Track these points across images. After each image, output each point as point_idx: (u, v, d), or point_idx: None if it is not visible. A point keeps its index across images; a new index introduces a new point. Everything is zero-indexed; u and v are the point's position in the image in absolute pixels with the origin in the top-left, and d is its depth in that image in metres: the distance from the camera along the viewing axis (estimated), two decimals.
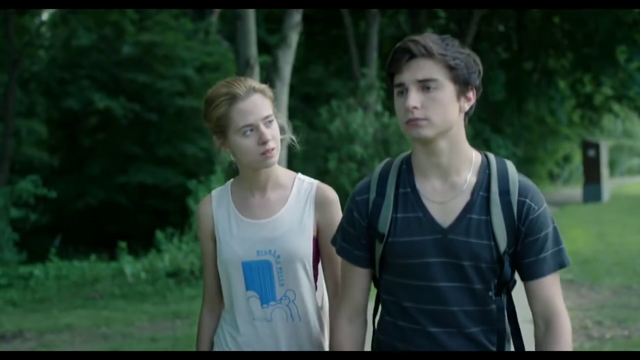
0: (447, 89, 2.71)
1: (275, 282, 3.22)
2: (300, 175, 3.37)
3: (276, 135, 3.15)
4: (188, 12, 27.60)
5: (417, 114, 2.69)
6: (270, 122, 3.13)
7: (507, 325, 2.91)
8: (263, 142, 3.08)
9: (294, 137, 3.41)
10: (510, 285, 2.89)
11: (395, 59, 2.73)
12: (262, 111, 3.11)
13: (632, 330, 8.98)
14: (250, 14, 13.12)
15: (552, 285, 2.85)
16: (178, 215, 17.52)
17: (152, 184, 24.42)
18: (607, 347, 8.22)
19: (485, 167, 2.85)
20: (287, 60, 13.89)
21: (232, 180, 3.36)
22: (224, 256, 3.25)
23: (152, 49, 24.54)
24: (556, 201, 30.73)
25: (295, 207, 3.26)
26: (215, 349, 3.38)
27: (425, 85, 2.69)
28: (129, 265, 12.67)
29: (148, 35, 24.55)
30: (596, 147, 29.23)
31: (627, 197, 32.07)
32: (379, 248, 2.89)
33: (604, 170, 29.81)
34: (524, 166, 33.87)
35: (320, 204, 3.27)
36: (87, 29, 24.65)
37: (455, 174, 2.83)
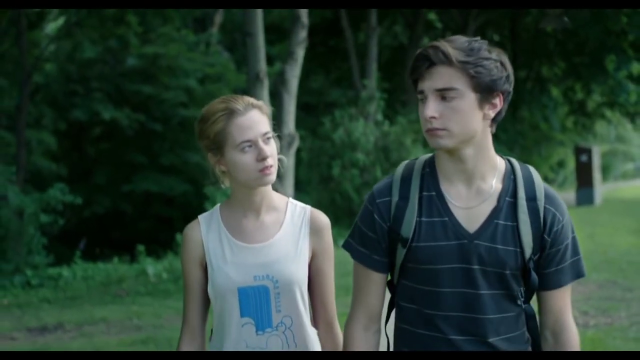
0: (468, 98, 2.67)
1: (272, 308, 3.16)
2: (291, 199, 3.35)
3: (274, 152, 3.12)
4: (189, 25, 28.41)
5: (436, 123, 2.67)
6: (268, 139, 3.11)
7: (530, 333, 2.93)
8: (262, 158, 3.05)
9: (284, 158, 3.32)
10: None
11: (415, 66, 2.70)
12: (260, 127, 3.09)
13: (614, 319, 9.93)
14: (260, 32, 14.12)
15: (565, 297, 2.88)
16: (181, 221, 18.00)
17: (157, 192, 25.05)
18: (590, 333, 9.13)
19: (510, 173, 2.83)
20: (294, 74, 14.84)
21: (219, 204, 3.32)
22: (218, 283, 3.16)
23: (156, 60, 25.27)
24: None
25: (291, 232, 3.21)
26: None
27: (444, 95, 2.66)
28: (151, 266, 13.76)
29: (152, 48, 25.28)
30: (588, 152, 29.92)
31: (619, 201, 32.84)
32: (401, 253, 2.84)
33: (597, 175, 30.50)
34: None
35: (315, 230, 3.24)
36: (93, 42, 25.28)
37: (480, 180, 2.81)
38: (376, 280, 2.92)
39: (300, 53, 14.96)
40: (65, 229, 16.22)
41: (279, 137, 3.24)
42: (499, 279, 2.75)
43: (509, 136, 32.59)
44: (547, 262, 2.80)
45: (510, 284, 2.77)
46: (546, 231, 2.76)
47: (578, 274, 2.86)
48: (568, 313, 2.88)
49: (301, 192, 19.48)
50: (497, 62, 2.68)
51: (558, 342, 2.85)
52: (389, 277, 2.97)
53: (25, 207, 14.15)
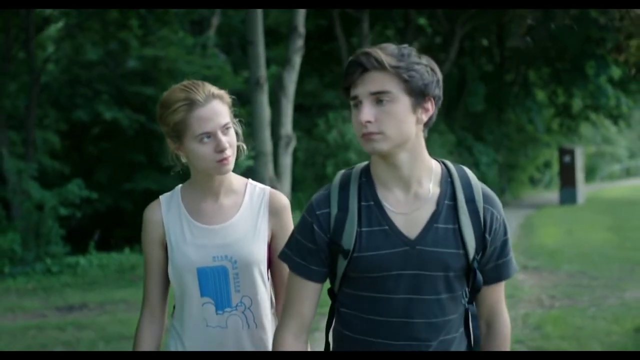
0: (402, 102, 2.69)
1: (231, 288, 3.21)
2: (251, 180, 3.40)
3: (233, 142, 3.16)
4: (187, 28, 29.08)
5: (371, 127, 2.69)
6: (227, 129, 3.15)
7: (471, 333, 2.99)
8: (220, 150, 3.10)
9: (244, 145, 3.36)
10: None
11: (348, 72, 2.73)
12: (220, 119, 3.11)
13: (577, 302, 11.25)
14: (260, 40, 15.36)
15: (500, 290, 2.98)
16: None
17: (156, 190, 25.73)
18: (553, 312, 10.48)
19: (447, 176, 2.87)
20: (291, 79, 16.06)
21: (180, 185, 3.36)
22: (177, 262, 3.21)
23: (155, 63, 25.74)
24: (534, 203, 32.79)
25: (249, 213, 3.27)
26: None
27: (378, 98, 2.68)
28: None
29: (152, 50, 25.83)
30: (571, 153, 30.84)
31: (602, 200, 33.79)
32: (342, 263, 2.83)
33: (579, 175, 31.44)
34: (505, 171, 35.57)
35: (274, 210, 3.30)
36: (94, 44, 26.11)
37: (417, 185, 2.82)
38: (311, 290, 2.91)
39: (297, 60, 16.13)
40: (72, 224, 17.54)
41: (241, 122, 3.34)
42: (443, 282, 2.80)
43: (495, 138, 33.36)
44: (487, 259, 2.88)
45: (454, 286, 2.83)
46: (487, 230, 2.83)
47: (513, 271, 2.97)
48: (502, 304, 3.01)
49: (297, 190, 20.43)
50: (427, 67, 2.74)
51: (490, 330, 3.00)
52: (330, 286, 2.98)
53: (46, 201, 15.60)
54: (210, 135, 3.10)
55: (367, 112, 2.68)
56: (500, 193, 35.58)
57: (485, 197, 2.86)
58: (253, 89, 15.23)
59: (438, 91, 2.78)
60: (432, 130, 23.28)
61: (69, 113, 25.03)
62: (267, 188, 3.38)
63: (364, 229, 2.80)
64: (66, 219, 16.19)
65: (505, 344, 3.01)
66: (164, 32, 26.47)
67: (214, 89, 3.19)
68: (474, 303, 2.95)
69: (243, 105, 23.40)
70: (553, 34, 18.71)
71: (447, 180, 2.86)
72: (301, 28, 16.23)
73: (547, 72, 32.25)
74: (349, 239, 2.79)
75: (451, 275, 2.80)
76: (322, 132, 21.18)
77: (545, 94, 35.60)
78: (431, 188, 2.83)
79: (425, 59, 2.76)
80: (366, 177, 2.88)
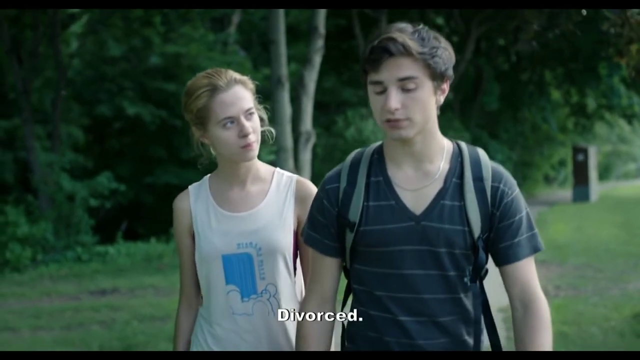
0: (426, 86, 2.69)
1: (256, 276, 3.21)
2: (279, 169, 3.39)
3: (257, 128, 3.15)
4: (208, 25, 29.46)
5: (399, 114, 2.68)
6: (251, 114, 3.14)
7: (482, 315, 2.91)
8: (244, 135, 3.09)
9: (272, 130, 3.38)
10: (483, 273, 2.88)
11: (373, 58, 2.68)
12: (243, 103, 3.11)
13: (581, 291, 11.91)
14: (282, 39, 16.11)
15: (528, 269, 2.86)
16: None
17: (176, 184, 26.34)
18: (558, 300, 11.08)
19: (458, 155, 2.86)
20: (311, 78, 16.78)
21: (209, 175, 3.38)
22: (203, 250, 3.23)
23: (177, 59, 25.94)
24: (548, 201, 33.43)
25: (276, 200, 3.25)
26: (193, 348, 3.36)
27: (405, 85, 2.67)
28: None
29: (173, 47, 25.95)
30: (585, 152, 31.46)
31: (614, 198, 34.36)
32: (349, 237, 2.86)
33: (592, 173, 31.98)
34: (520, 169, 36.03)
35: (300, 198, 3.27)
36: (116, 40, 26.83)
37: (428, 162, 2.82)
38: (328, 265, 2.96)
39: (317, 60, 16.82)
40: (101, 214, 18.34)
41: (266, 109, 3.35)
42: (448, 259, 2.79)
43: (510, 136, 33.94)
44: (501, 236, 2.83)
45: (461, 264, 2.81)
46: (495, 206, 2.80)
47: (535, 247, 2.88)
48: (534, 283, 2.87)
49: (317, 184, 20.92)
50: (446, 50, 2.73)
51: (527, 311, 2.82)
52: (344, 263, 3.01)
53: (76, 192, 16.44)
54: (234, 120, 3.11)
55: (396, 98, 2.67)
56: None
57: (495, 175, 2.84)
58: (275, 87, 15.93)
59: (452, 71, 2.80)
60: (447, 128, 23.83)
61: (92, 108, 25.41)
62: (295, 176, 3.37)
63: (371, 203, 2.85)
64: (95, 209, 16.99)
65: (546, 323, 2.82)
66: (185, 29, 26.70)
67: (237, 75, 3.19)
68: (506, 286, 2.88)
69: (263, 101, 24.34)
70: (565, 36, 19.13)
71: (457, 159, 2.87)
72: (321, 29, 16.89)
73: (561, 72, 32.62)
74: (355, 212, 2.84)
75: (457, 253, 2.79)
76: (341, 129, 21.80)
77: (560, 94, 36.00)
78: (441, 166, 2.84)
79: (442, 41, 2.75)
80: (378, 155, 2.92)
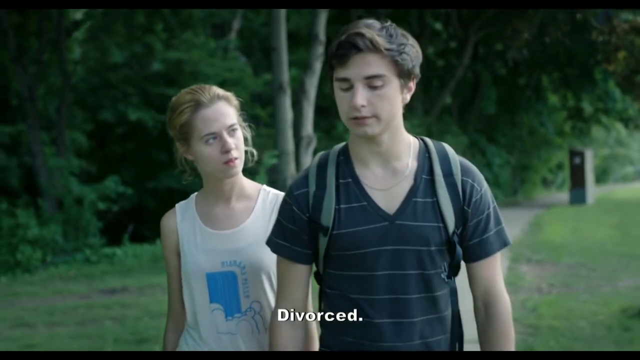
0: (393, 84, 2.66)
1: (240, 294, 3.20)
2: (265, 186, 3.36)
3: (240, 144, 3.15)
4: (209, 31, 29.73)
5: (365, 112, 2.65)
6: (234, 130, 3.14)
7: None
8: (225, 150, 3.09)
9: (254, 151, 3.34)
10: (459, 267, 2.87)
11: (339, 54, 2.65)
12: (226, 119, 3.11)
13: (573, 289, 12.41)
14: (283, 46, 16.61)
15: (494, 266, 2.87)
16: None
17: (178, 188, 26.66)
18: (550, 297, 11.62)
19: (425, 151, 2.84)
20: (312, 84, 17.25)
21: (195, 193, 3.37)
22: (188, 268, 3.21)
23: (179, 65, 26.17)
24: (545, 203, 33.84)
25: (261, 218, 3.24)
26: None
27: (372, 82, 2.63)
28: None
29: (175, 53, 26.17)
30: (581, 155, 31.92)
31: (611, 201, 34.82)
32: (323, 242, 2.81)
33: (589, 176, 32.45)
34: (518, 173, 36.54)
35: None
36: (119, 47, 27.14)
37: (395, 160, 2.80)
38: (299, 272, 2.90)
39: (318, 66, 17.22)
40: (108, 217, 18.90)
41: (251, 127, 3.32)
42: (425, 256, 2.76)
43: (508, 140, 34.44)
44: (471, 233, 2.83)
45: (436, 261, 2.79)
46: (466, 202, 2.79)
47: (503, 242, 2.89)
48: (499, 283, 2.89)
49: None
50: (413, 48, 2.70)
51: (489, 312, 2.86)
52: (315, 269, 2.96)
53: (85, 196, 17.03)
54: (216, 135, 3.11)
55: (362, 95, 2.64)
56: (513, 193, 36.59)
57: (464, 170, 2.84)
58: (276, 93, 16.42)
59: (419, 70, 2.77)
60: (444, 132, 24.49)
61: (95, 113, 25.72)
62: (281, 193, 3.28)
63: (342, 206, 2.79)
64: (102, 213, 17.57)
65: (507, 327, 2.87)
66: (187, 36, 26.99)
67: (220, 91, 3.19)
68: (470, 283, 2.90)
69: (264, 106, 24.43)
70: (554, 44, 19.58)
71: (424, 155, 2.84)
72: (322, 36, 17.32)
73: (558, 77, 33.16)
74: (327, 216, 2.79)
75: (433, 250, 2.77)
76: (341, 133, 22.32)
77: (557, 98, 36.54)
78: (410, 163, 2.81)
79: (410, 38, 2.72)
80: (344, 156, 2.87)
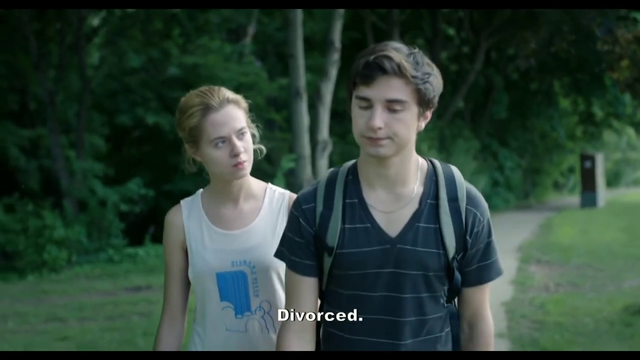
0: (412, 111, 2.67)
1: (250, 293, 3.23)
2: (271, 185, 3.38)
3: (248, 147, 3.17)
4: (223, 36, 30.03)
5: (380, 133, 2.65)
6: (243, 134, 3.15)
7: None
8: (235, 154, 3.10)
9: (263, 148, 3.37)
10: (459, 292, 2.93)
11: (365, 74, 2.66)
12: (235, 123, 3.12)
13: (579, 288, 12.89)
14: (300, 53, 17.10)
15: (485, 292, 2.94)
16: None
17: (194, 192, 26.95)
18: (557, 295, 12.11)
19: (432, 175, 2.86)
20: (328, 89, 17.77)
21: (201, 190, 3.39)
22: (197, 268, 3.23)
23: (195, 70, 26.33)
24: (556, 207, 34.20)
25: (269, 218, 3.26)
26: None
27: (392, 106, 2.64)
28: None
29: (191, 58, 26.43)
30: (592, 159, 32.28)
31: (622, 204, 35.11)
32: (327, 261, 2.84)
33: (600, 180, 32.76)
34: (530, 176, 36.82)
35: None
36: (136, 52, 26.74)
37: (401, 184, 2.82)
38: (309, 285, 2.91)
39: (333, 72, 17.73)
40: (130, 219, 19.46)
41: (258, 128, 3.34)
42: (422, 281, 2.80)
43: (520, 144, 34.79)
44: (469, 261, 2.87)
45: (434, 286, 2.82)
46: (467, 232, 2.82)
47: (496, 273, 2.94)
48: (486, 306, 2.98)
49: None
50: (437, 78, 2.73)
51: (473, 332, 2.96)
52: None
53: (108, 198, 17.69)
54: (225, 139, 3.13)
55: (380, 118, 2.65)
56: (525, 196, 36.93)
57: (469, 198, 2.86)
58: (293, 98, 16.98)
59: (437, 100, 2.79)
60: (456, 136, 24.98)
61: (112, 117, 26.11)
62: (287, 192, 3.38)
63: (347, 226, 2.82)
64: (125, 214, 18.21)
65: (489, 344, 2.99)
66: (203, 41, 27.34)
67: (229, 94, 3.20)
68: (456, 304, 2.98)
69: (279, 110, 24.84)
70: (560, 54, 19.95)
71: (431, 179, 2.86)
72: (337, 43, 17.84)
73: (568, 81, 33.46)
74: (333, 236, 2.81)
75: (431, 275, 2.80)
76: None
77: (568, 102, 36.86)
78: (415, 188, 2.83)
79: (435, 68, 2.75)
80: (353, 175, 2.90)
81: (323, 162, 17.39)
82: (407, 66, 2.63)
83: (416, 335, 2.83)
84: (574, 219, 27.14)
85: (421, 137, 23.81)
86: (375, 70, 2.63)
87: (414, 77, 2.64)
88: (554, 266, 15.44)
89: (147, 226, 18.94)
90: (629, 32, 10.83)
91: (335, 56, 17.81)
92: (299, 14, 17.28)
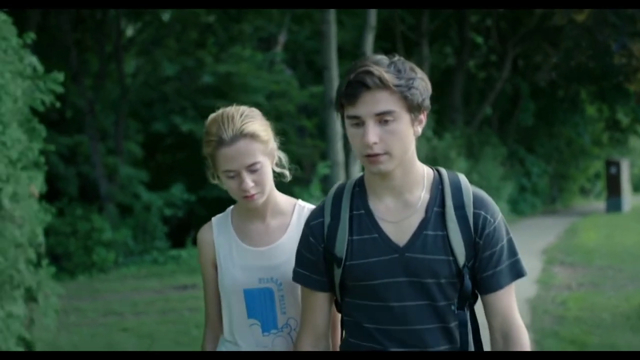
0: (404, 119, 2.69)
1: (277, 310, 3.25)
2: (300, 201, 3.39)
3: (261, 180, 3.15)
4: (255, 45, 30.74)
5: (377, 149, 2.68)
6: (254, 170, 3.13)
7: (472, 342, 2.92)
8: (243, 189, 3.11)
9: (287, 174, 3.36)
10: (472, 299, 2.91)
11: (349, 93, 2.67)
12: (245, 159, 3.11)
13: (599, 287, 13.66)
14: (334, 65, 17.93)
15: (508, 297, 2.88)
16: None
17: (226, 198, 27.46)
18: (578, 293, 12.92)
19: (438, 183, 2.87)
20: None
21: (232, 206, 3.41)
22: (225, 283, 3.27)
23: (228, 78, 26.89)
24: (583, 212, 34.89)
25: (296, 234, 3.17)
26: None
27: (383, 118, 2.66)
28: None
29: (225, 66, 26.97)
30: (617, 165, 33.07)
31: None
32: (337, 272, 2.87)
33: (625, 185, 33.47)
34: (557, 182, 37.52)
35: None
36: (170, 61, 27.01)
37: (408, 193, 2.84)
38: (319, 299, 2.96)
39: None
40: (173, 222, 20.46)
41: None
42: (436, 289, 2.79)
43: (546, 150, 35.49)
44: (484, 265, 2.84)
45: (449, 293, 2.82)
46: (477, 235, 2.81)
47: (517, 274, 2.90)
48: (514, 311, 2.89)
49: None
50: (422, 81, 2.73)
51: (507, 341, 2.87)
52: (335, 297, 3.01)
53: (153, 202, 18.76)
54: (235, 174, 3.13)
55: (374, 133, 2.67)
56: (551, 202, 37.62)
57: (476, 202, 2.85)
58: (328, 108, 17.71)
59: (429, 102, 2.79)
60: (484, 143, 25.96)
61: (147, 125, 26.72)
62: None
63: (355, 237, 2.84)
64: (167, 218, 19.26)
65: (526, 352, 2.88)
66: (235, 49, 27.73)
67: (247, 127, 3.14)
68: (487, 315, 2.92)
69: (309, 117, 25.63)
70: (579, 67, 20.53)
71: (437, 187, 2.87)
72: (369, 53, 18.50)
73: (593, 89, 34.02)
74: (341, 247, 2.84)
75: (443, 282, 2.80)
76: None
77: (594, 109, 37.49)
78: (422, 195, 2.84)
79: (418, 72, 2.75)
80: (359, 187, 2.93)
81: (356, 168, 18.25)
82: (389, 77, 2.66)
83: (440, 344, 2.85)
84: (598, 223, 27.71)
85: (449, 144, 24.80)
86: (359, 87, 2.67)
87: (397, 85, 2.67)
88: (576, 267, 16.17)
89: (185, 229, 19.91)
90: None
91: None
92: (332, 27, 18.05)
